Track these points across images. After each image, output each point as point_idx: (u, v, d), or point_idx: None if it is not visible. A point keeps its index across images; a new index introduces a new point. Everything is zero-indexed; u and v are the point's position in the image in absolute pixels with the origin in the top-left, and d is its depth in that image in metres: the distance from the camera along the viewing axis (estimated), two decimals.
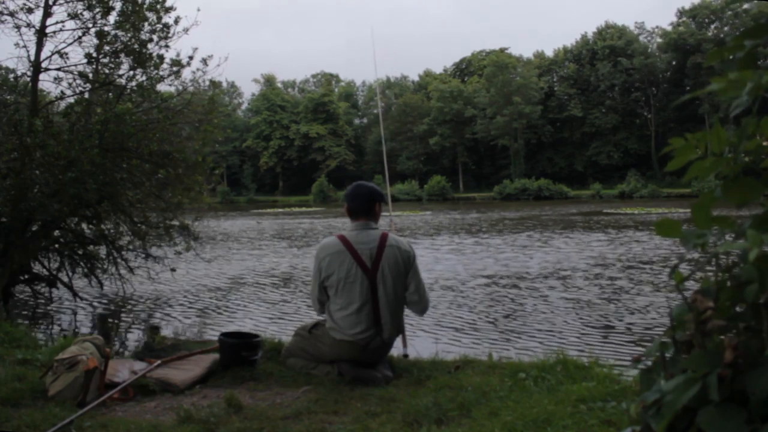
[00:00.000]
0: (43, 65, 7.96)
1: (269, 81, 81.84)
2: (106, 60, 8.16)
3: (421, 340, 6.06)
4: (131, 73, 8.20)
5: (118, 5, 7.97)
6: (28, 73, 7.90)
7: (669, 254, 13.10)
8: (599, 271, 11.14)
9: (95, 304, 8.91)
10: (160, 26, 8.11)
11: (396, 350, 3.95)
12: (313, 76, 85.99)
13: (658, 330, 6.72)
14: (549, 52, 72.89)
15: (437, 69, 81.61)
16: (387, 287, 3.58)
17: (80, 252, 8.88)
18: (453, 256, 13.79)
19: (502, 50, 71.29)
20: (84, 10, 7.85)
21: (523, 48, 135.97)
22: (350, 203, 3.70)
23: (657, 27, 70.23)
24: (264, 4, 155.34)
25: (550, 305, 8.25)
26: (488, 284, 10.02)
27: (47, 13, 7.82)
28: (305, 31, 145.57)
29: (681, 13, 65.18)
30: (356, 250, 3.57)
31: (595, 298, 8.68)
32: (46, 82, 17.61)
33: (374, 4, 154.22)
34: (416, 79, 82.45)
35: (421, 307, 3.74)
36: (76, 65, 8.04)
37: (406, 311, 3.82)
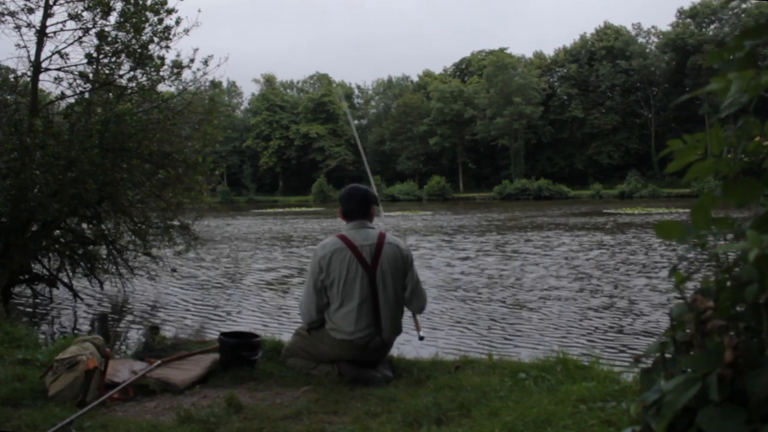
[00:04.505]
0: (44, 65, 7.96)
1: (269, 81, 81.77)
2: (106, 60, 8.16)
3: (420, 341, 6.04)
4: (132, 73, 8.20)
5: (118, 6, 7.98)
6: (29, 73, 7.90)
7: (660, 256, 13.10)
8: (597, 272, 11.14)
9: (95, 304, 8.91)
10: (161, 28, 8.10)
11: (397, 349, 3.94)
12: (309, 78, 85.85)
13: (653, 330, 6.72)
14: (549, 53, 72.96)
15: (435, 70, 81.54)
16: (386, 284, 3.60)
17: (80, 252, 8.87)
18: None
19: (501, 50, 71.22)
20: (84, 10, 7.85)
21: (523, 49, 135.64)
22: (346, 205, 3.75)
23: (653, 27, 70.28)
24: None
25: (539, 306, 8.25)
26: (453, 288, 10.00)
27: (47, 14, 7.82)
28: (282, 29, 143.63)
29: (681, 13, 65.21)
30: (356, 246, 3.59)
31: (589, 300, 8.68)
32: (46, 82, 17.60)
33: (337, 5, 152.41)
34: (415, 79, 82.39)
35: (419, 306, 3.80)
36: (76, 65, 8.05)
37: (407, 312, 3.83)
